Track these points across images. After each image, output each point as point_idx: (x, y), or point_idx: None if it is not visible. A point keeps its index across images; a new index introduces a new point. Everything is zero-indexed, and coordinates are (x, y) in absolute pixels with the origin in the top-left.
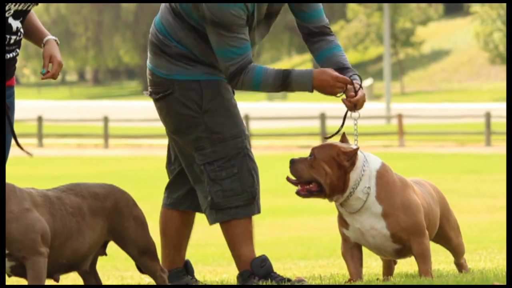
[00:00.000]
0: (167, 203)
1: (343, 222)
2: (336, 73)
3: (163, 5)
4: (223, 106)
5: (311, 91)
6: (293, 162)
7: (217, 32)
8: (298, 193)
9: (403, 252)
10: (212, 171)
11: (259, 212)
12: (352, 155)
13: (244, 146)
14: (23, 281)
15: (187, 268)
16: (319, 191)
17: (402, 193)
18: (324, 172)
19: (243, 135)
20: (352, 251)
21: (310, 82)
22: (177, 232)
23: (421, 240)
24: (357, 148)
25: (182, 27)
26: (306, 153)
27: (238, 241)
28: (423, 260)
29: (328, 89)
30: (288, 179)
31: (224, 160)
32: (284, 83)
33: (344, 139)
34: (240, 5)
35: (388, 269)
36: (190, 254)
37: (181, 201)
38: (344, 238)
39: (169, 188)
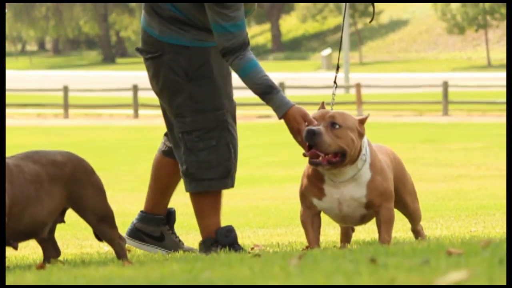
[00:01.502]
0: (162, 149)
1: (316, 192)
2: (302, 127)
3: None
4: (209, 76)
5: (279, 116)
6: (317, 134)
7: (211, 7)
8: (317, 163)
9: (366, 218)
10: (189, 140)
11: (232, 186)
12: (364, 123)
13: (224, 120)
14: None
15: (169, 218)
16: (340, 161)
17: (379, 159)
18: (352, 142)
19: (224, 108)
20: (313, 218)
21: (282, 114)
22: (168, 179)
23: (390, 206)
24: (369, 115)
25: None
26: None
27: (207, 211)
28: (388, 227)
29: (290, 130)
30: (310, 153)
31: (203, 131)
32: (265, 94)
33: (322, 107)
34: None
35: (346, 236)
36: None
37: None
38: (307, 206)
39: (166, 135)
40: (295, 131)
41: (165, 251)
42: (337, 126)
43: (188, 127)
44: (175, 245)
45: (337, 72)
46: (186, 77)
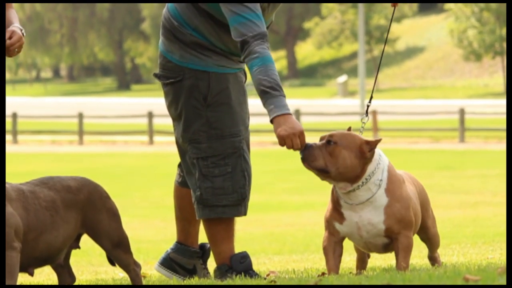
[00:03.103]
0: (179, 180)
1: (337, 216)
2: (301, 133)
3: None
4: (227, 103)
5: (272, 118)
6: (309, 147)
7: (230, 6)
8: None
9: (389, 247)
10: (205, 166)
11: (245, 214)
12: (374, 146)
13: (240, 147)
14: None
15: (203, 252)
16: (326, 173)
17: (403, 188)
18: (343, 160)
19: (241, 135)
20: (335, 246)
21: (280, 113)
22: (191, 208)
23: (409, 234)
24: (380, 139)
25: (198, 13)
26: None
27: (220, 238)
28: (405, 254)
29: (281, 138)
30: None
31: (219, 157)
32: (272, 90)
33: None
34: None
35: (362, 262)
36: (165, 249)
37: None
38: (331, 232)
39: (180, 166)
40: (286, 137)
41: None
42: (331, 143)
43: (204, 153)
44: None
45: (369, 103)
46: (204, 102)
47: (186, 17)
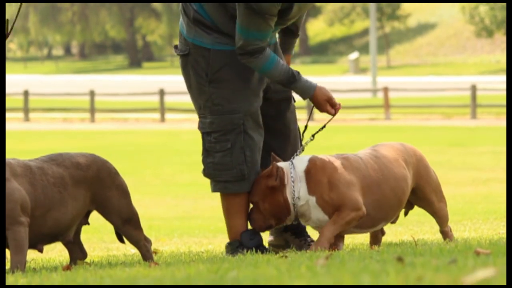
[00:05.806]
0: None
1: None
2: (331, 95)
3: None
4: (228, 79)
5: (304, 99)
6: (251, 218)
7: (248, 13)
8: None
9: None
10: (208, 141)
11: (248, 189)
12: (276, 172)
13: (241, 123)
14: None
15: (286, 225)
16: (271, 227)
17: (328, 177)
18: (268, 210)
19: (241, 111)
20: None
21: (310, 94)
22: None
23: (345, 214)
24: (274, 164)
25: None
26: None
27: (233, 212)
28: (335, 218)
29: (320, 106)
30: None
31: (220, 133)
32: (290, 83)
33: (274, 160)
34: None
35: (375, 238)
36: (176, 226)
37: None
38: None
39: None
40: (320, 107)
41: None
42: (255, 203)
43: (208, 128)
44: (300, 247)
45: (304, 130)
46: (206, 78)
47: None
